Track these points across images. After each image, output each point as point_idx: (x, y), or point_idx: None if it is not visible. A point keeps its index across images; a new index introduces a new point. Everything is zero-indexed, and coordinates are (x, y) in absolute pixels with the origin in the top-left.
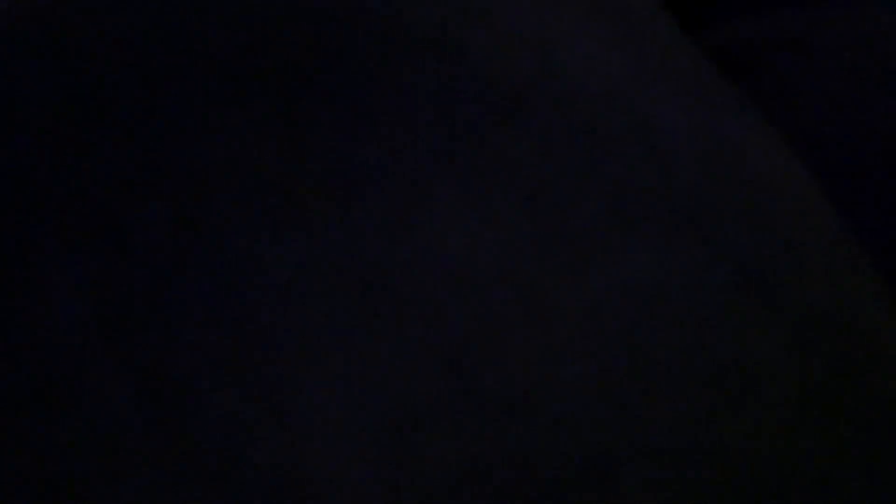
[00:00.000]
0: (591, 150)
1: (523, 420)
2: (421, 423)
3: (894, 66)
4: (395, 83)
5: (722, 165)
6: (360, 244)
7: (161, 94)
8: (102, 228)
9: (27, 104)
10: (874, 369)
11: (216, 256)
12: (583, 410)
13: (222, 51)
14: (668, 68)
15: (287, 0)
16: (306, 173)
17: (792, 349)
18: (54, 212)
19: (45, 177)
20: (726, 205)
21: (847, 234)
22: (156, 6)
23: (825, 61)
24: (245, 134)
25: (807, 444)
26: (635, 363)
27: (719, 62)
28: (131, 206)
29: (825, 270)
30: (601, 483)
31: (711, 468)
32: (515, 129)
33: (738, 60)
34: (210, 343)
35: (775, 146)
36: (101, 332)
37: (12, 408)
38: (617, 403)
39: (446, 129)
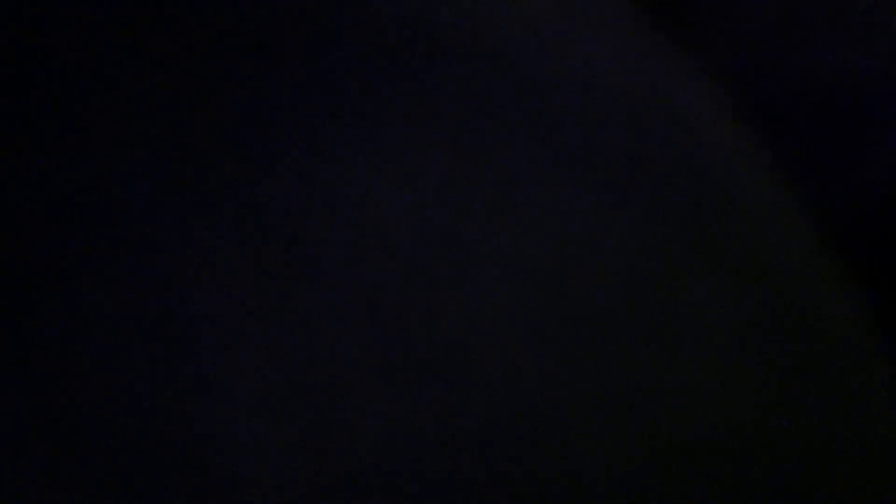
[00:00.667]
0: (518, 97)
1: (449, 379)
2: (343, 392)
3: (824, 6)
4: (309, 34)
5: (654, 116)
6: (275, 206)
7: (71, 62)
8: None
9: None
10: (809, 314)
11: (130, 237)
12: (513, 365)
13: (119, 17)
14: (599, 18)
15: None
16: (217, 139)
17: (727, 296)
18: None
19: None
20: (659, 154)
21: (776, 178)
22: None
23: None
24: (148, 101)
25: (745, 391)
26: (566, 315)
27: (649, 7)
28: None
29: (757, 217)
30: (536, 438)
31: (649, 418)
32: (437, 75)
33: (664, 6)
34: (125, 322)
35: (706, 95)
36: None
37: None
38: (549, 357)
39: (363, 79)
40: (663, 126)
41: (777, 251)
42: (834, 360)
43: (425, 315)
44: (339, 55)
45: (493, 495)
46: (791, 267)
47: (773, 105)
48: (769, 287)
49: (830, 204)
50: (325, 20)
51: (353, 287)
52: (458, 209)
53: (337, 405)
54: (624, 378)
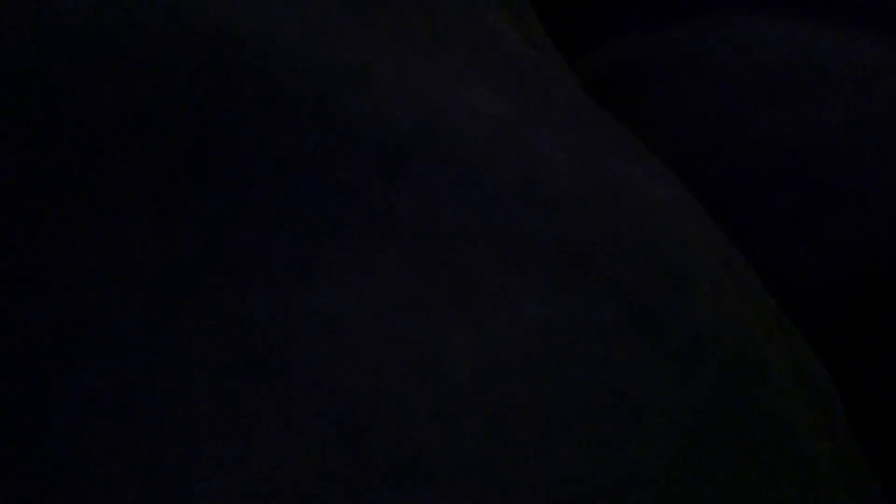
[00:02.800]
0: (475, 200)
1: (417, 482)
2: (314, 496)
3: (776, 76)
4: (274, 151)
5: (606, 203)
6: (246, 320)
7: (32, 180)
8: None
9: None
10: (757, 389)
11: (103, 354)
12: (477, 465)
13: (97, 128)
14: (551, 108)
15: (163, 74)
16: (186, 254)
17: (675, 377)
18: None
19: None
20: (611, 241)
21: (733, 252)
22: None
23: (708, 74)
24: (121, 220)
25: (694, 467)
26: (529, 412)
27: (605, 83)
28: (13, 305)
29: (709, 296)
30: None
31: (605, 497)
32: (398, 186)
33: (624, 80)
34: (99, 434)
35: (657, 175)
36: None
37: None
38: (510, 455)
39: (328, 193)
40: (619, 217)
41: (730, 331)
42: (780, 443)
43: (390, 423)
44: (305, 172)
45: None
46: (744, 345)
47: (728, 178)
48: (721, 368)
49: (794, 275)
50: (300, 137)
51: (319, 399)
52: (428, 314)
53: None
54: (584, 467)
